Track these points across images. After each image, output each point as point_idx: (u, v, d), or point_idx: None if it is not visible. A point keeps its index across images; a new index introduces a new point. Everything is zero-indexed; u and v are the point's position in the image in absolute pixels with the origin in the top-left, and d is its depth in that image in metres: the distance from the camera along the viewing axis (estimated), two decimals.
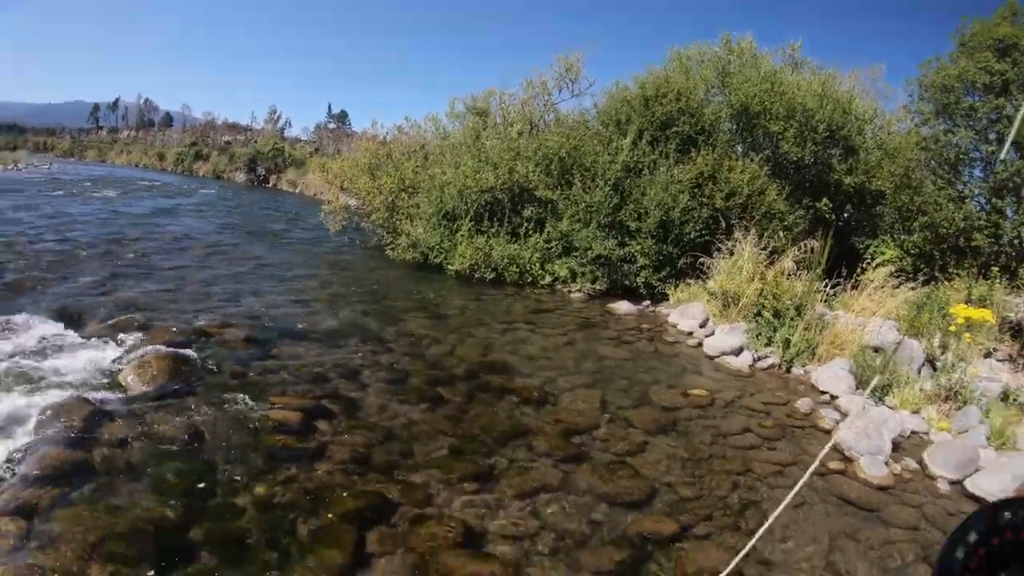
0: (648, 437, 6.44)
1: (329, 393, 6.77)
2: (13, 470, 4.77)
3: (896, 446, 6.40)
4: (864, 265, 10.92)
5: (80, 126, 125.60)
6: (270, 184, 50.76)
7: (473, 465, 5.58)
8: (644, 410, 7.09)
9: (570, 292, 13.08)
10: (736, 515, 5.19)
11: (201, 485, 4.86)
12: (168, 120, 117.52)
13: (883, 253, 12.45)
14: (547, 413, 6.77)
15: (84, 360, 6.99)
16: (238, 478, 5.02)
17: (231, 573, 3.96)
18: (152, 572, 3.87)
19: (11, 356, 6.90)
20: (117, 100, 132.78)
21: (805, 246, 10.78)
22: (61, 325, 7.93)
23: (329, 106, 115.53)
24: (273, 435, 5.70)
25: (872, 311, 9.49)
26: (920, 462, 6.23)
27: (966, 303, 9.19)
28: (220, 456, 5.30)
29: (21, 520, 4.12)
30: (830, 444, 3.16)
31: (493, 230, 14.07)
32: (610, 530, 4.87)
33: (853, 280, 10.32)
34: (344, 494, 4.96)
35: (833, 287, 10.18)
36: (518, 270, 13.56)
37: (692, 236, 12.89)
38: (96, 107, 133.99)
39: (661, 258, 12.94)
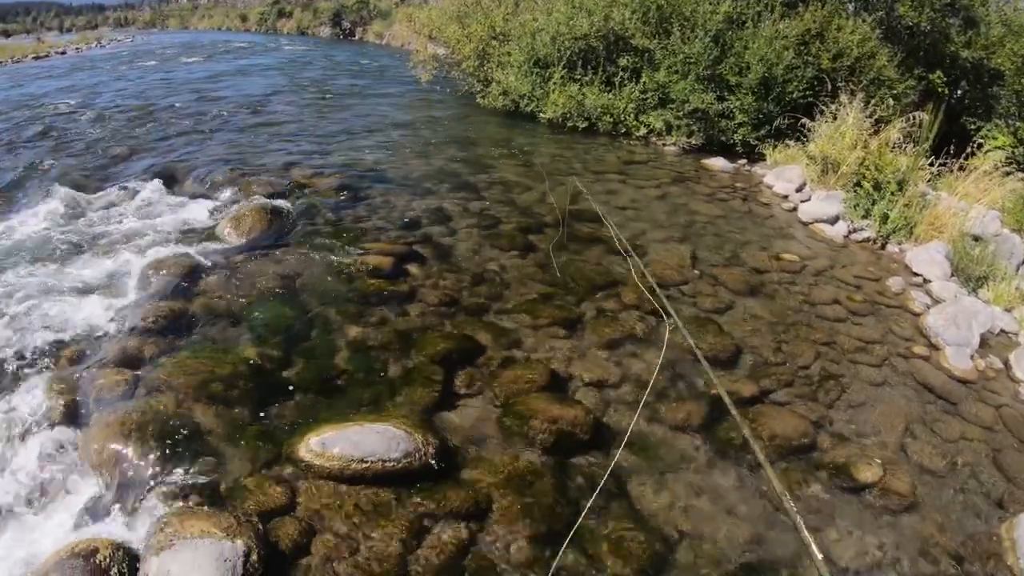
0: (736, 297, 6.46)
1: (421, 239, 6.91)
2: (120, 324, 5.03)
3: (983, 341, 6.27)
4: (973, 148, 10.47)
5: None
6: (356, 37, 50.08)
7: (560, 312, 5.69)
8: (733, 270, 7.07)
9: (664, 145, 12.79)
10: (816, 386, 5.24)
11: (297, 329, 5.09)
12: None
13: (995, 139, 11.90)
14: (636, 265, 6.78)
15: (182, 217, 7.24)
16: (332, 321, 5.23)
17: (325, 411, 4.19)
18: (252, 411, 4.13)
19: (114, 218, 7.19)
20: None
21: (913, 119, 10.34)
22: (159, 184, 8.17)
23: None
24: (366, 279, 5.88)
25: (976, 198, 9.13)
26: (1006, 362, 6.08)
27: None
28: (315, 301, 5.50)
29: (128, 370, 4.39)
30: None
31: (587, 78, 13.65)
32: (691, 386, 4.99)
33: (960, 162, 9.91)
34: (434, 336, 5.13)
35: (938, 167, 9.81)
36: (611, 120, 13.25)
37: (794, 96, 12.39)
38: None
39: (760, 116, 12.50)
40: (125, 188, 8.05)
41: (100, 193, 7.96)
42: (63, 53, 35.02)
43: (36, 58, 31.37)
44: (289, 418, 4.08)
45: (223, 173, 8.62)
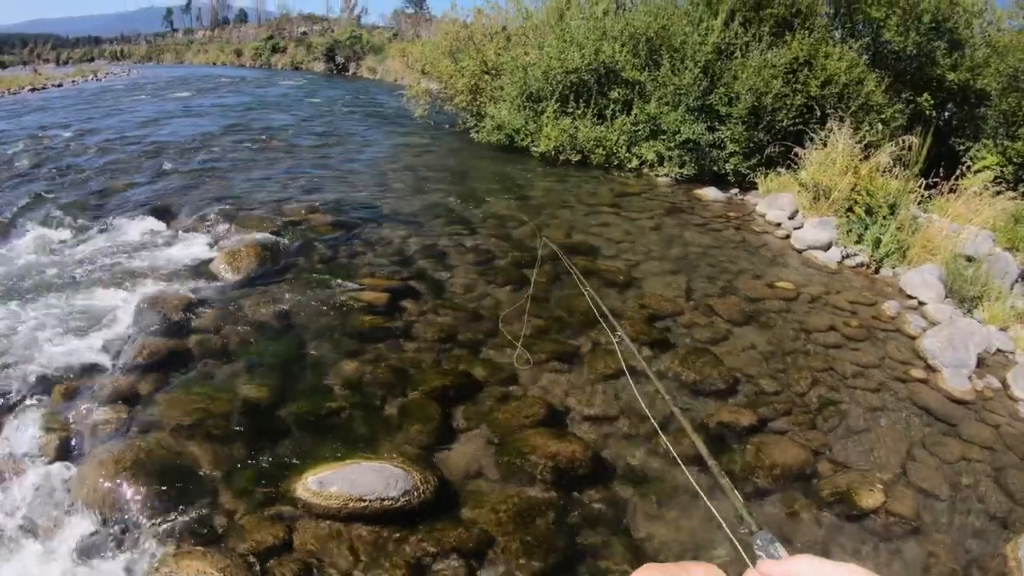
0: (732, 326, 6.49)
1: (415, 274, 6.94)
2: (115, 359, 5.05)
3: (980, 361, 6.28)
4: (963, 169, 10.54)
5: (155, 31, 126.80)
6: (349, 72, 50.68)
7: (557, 346, 5.71)
8: (728, 299, 7.10)
9: (657, 176, 12.89)
10: (815, 413, 5.24)
11: (293, 366, 5.09)
12: (243, 16, 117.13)
13: (984, 159, 11.97)
14: (631, 297, 6.84)
15: (177, 253, 7.28)
16: (328, 358, 5.23)
17: (323, 448, 4.18)
18: (248, 449, 4.11)
19: (108, 253, 7.21)
20: (189, 2, 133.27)
21: (902, 143, 10.42)
22: (154, 221, 8.23)
23: None
24: (361, 316, 5.89)
25: (968, 218, 9.19)
26: (1003, 381, 6.10)
27: None
28: (310, 337, 5.51)
29: (124, 406, 4.40)
30: None
31: (579, 111, 13.79)
32: (690, 417, 4.94)
33: (950, 184, 9.97)
34: (430, 372, 5.14)
35: (929, 189, 9.87)
36: (604, 152, 13.38)
37: (784, 124, 12.53)
38: (169, 11, 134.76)
39: (751, 145, 12.65)
40: (120, 222, 8.11)
41: (95, 227, 8.03)
42: (59, 85, 35.53)
43: (32, 90, 31.85)
44: (286, 456, 4.07)
45: (217, 208, 8.66)
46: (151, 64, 79.28)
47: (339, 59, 52.61)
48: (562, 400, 4.99)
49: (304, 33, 71.66)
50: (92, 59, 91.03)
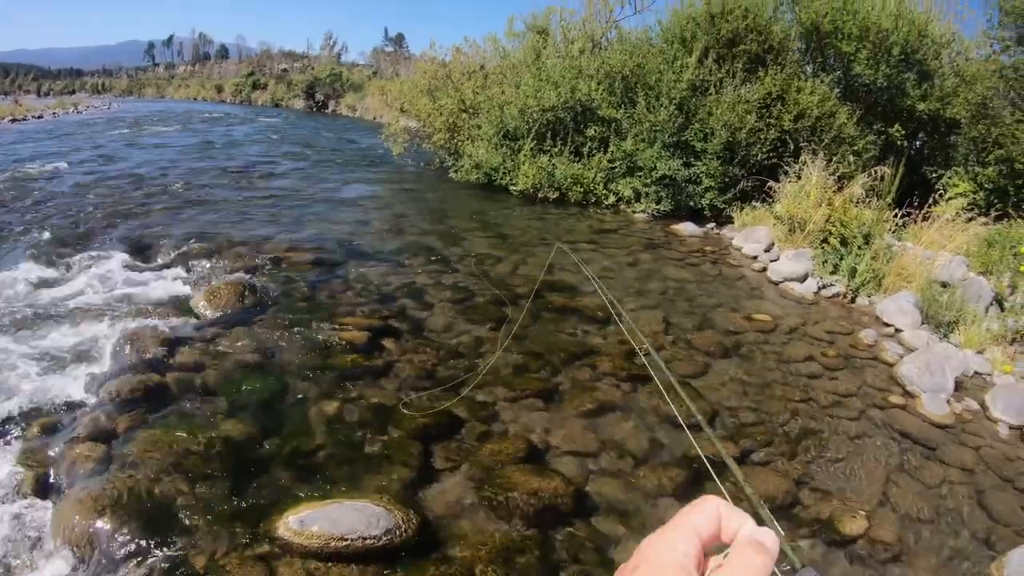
0: (710, 360, 6.52)
1: (395, 313, 6.95)
2: (94, 396, 5.03)
3: (958, 385, 6.33)
4: (936, 197, 10.68)
5: (136, 65, 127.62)
6: (329, 110, 51.11)
7: (537, 383, 5.71)
8: (707, 333, 7.15)
9: (634, 212, 13.03)
10: (795, 443, 5.25)
11: (273, 404, 5.09)
12: (224, 52, 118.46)
13: (956, 185, 12.14)
14: (610, 333, 6.85)
15: (157, 289, 7.31)
16: (309, 396, 5.23)
17: (303, 488, 4.15)
18: (229, 488, 4.08)
19: (88, 288, 7.21)
20: (171, 37, 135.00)
21: (875, 173, 10.57)
22: (133, 257, 8.28)
23: (386, 30, 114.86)
24: (342, 354, 5.89)
25: (941, 245, 9.31)
26: (982, 404, 6.15)
27: None
28: (291, 376, 5.50)
29: (101, 444, 4.36)
30: None
31: (556, 149, 13.99)
32: (670, 451, 4.97)
33: (923, 212, 10.10)
34: (411, 411, 5.11)
35: (903, 217, 9.99)
36: (582, 190, 13.54)
37: (759, 158, 12.71)
38: (151, 45, 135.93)
39: (727, 180, 12.81)
40: (99, 258, 8.11)
41: (75, 262, 8.01)
42: (40, 117, 35.83)
43: (13, 120, 31.96)
44: (267, 495, 4.04)
45: (198, 245, 8.70)
46: (132, 98, 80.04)
47: (319, 96, 53.14)
48: (543, 436, 4.99)
49: (285, 70, 72.35)
50: (73, 91, 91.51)
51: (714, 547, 0.68)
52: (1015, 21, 12.44)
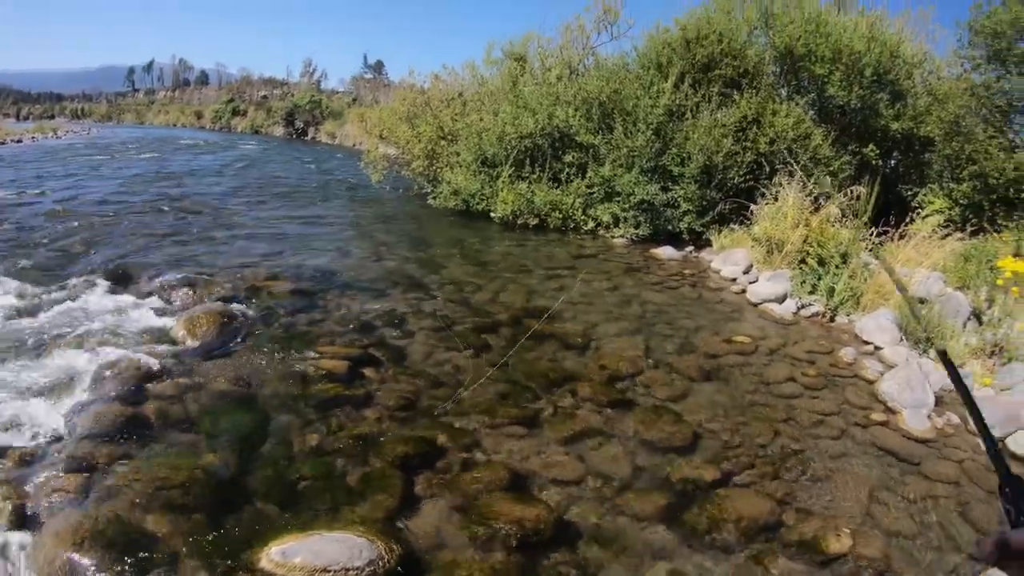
0: (691, 383, 6.51)
1: (375, 341, 6.92)
2: (72, 426, 4.95)
3: (939, 400, 6.37)
4: (912, 215, 10.78)
5: (116, 90, 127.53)
6: (308, 136, 51.27)
7: (518, 410, 5.68)
8: (687, 356, 7.15)
9: (613, 237, 13.10)
10: (778, 464, 5.24)
11: (254, 434, 5.03)
12: (204, 78, 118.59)
13: (932, 202, 12.28)
14: (591, 359, 6.86)
15: (136, 318, 7.20)
16: (290, 426, 5.17)
17: (284, 519, 4.09)
18: (210, 519, 4.02)
19: (67, 317, 7.10)
20: (151, 62, 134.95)
21: (851, 193, 10.66)
22: (113, 285, 8.15)
23: (365, 57, 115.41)
24: (322, 384, 5.85)
25: (918, 262, 9.40)
26: (963, 417, 6.18)
27: (1015, 256, 9.04)
28: (271, 406, 5.45)
29: (80, 475, 4.29)
30: None
31: (534, 176, 14.07)
32: (653, 475, 4.96)
33: (900, 230, 10.19)
34: (393, 440, 5.08)
35: (879, 236, 10.07)
36: (561, 215, 13.60)
37: (736, 181, 12.82)
38: (131, 70, 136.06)
39: (704, 203, 12.89)
40: (78, 286, 8.00)
41: (52, 290, 7.89)
42: (19, 141, 35.69)
43: None
44: (248, 527, 3.99)
45: (177, 273, 8.62)
46: (111, 123, 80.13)
47: (298, 123, 53.37)
48: (525, 464, 4.97)
49: (264, 97, 72.51)
50: (53, 116, 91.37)
51: None
52: (985, 40, 12.64)
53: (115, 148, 31.01)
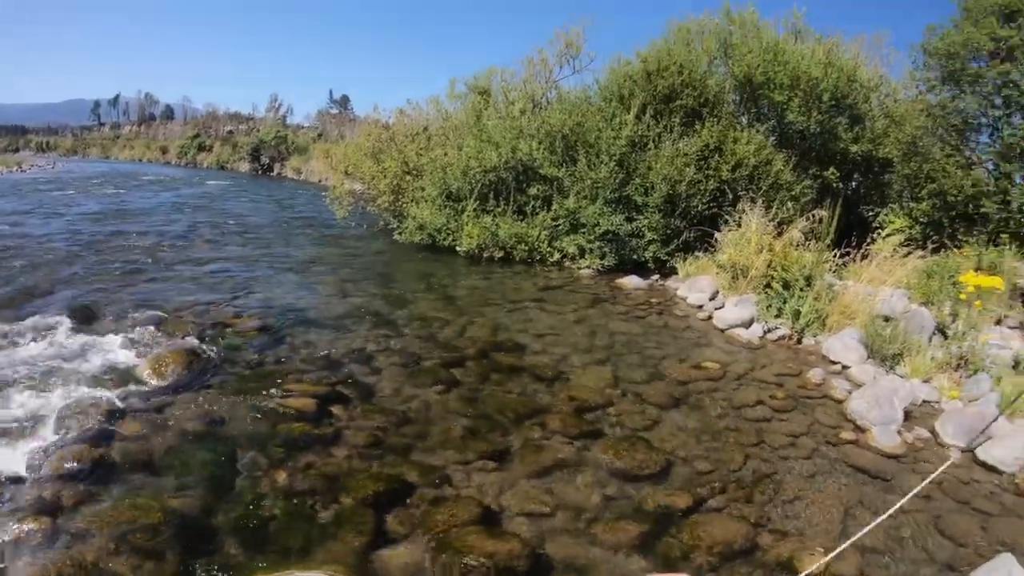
0: (661, 411, 6.49)
1: (343, 379, 6.84)
2: (36, 469, 4.83)
3: (907, 415, 6.44)
4: (873, 235, 10.92)
5: (82, 124, 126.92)
6: (274, 172, 51.16)
7: (488, 445, 5.63)
8: (656, 384, 7.14)
9: (579, 269, 13.14)
10: (750, 487, 5.23)
11: (222, 475, 4.93)
12: (169, 113, 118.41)
13: (892, 222, 12.46)
14: (560, 391, 6.82)
15: (101, 357, 7.05)
16: (258, 467, 5.08)
17: (255, 560, 4.02)
18: (178, 562, 3.94)
19: (30, 357, 6.94)
20: (117, 96, 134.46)
21: (813, 216, 10.79)
22: (77, 324, 7.98)
23: (331, 92, 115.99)
24: (290, 423, 5.76)
25: (882, 280, 9.51)
26: (932, 431, 6.27)
27: (976, 271, 9.16)
28: (239, 446, 5.36)
29: (46, 518, 4.18)
30: None
31: (499, 209, 14.11)
32: (626, 505, 4.92)
33: (863, 250, 10.30)
34: (362, 478, 5.01)
35: (843, 257, 10.18)
36: (526, 248, 13.62)
37: (699, 209, 12.94)
38: (96, 104, 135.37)
39: (669, 232, 13.00)
40: (41, 325, 7.83)
41: (14, 329, 7.71)
42: None
43: None
44: (218, 569, 3.91)
45: (143, 311, 8.50)
46: (76, 158, 79.52)
47: (264, 159, 53.23)
48: (496, 498, 4.92)
49: (230, 132, 72.38)
50: (17, 149, 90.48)
51: None
52: (939, 61, 12.92)
53: (80, 184, 30.80)
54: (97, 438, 5.24)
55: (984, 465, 5.75)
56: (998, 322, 8.99)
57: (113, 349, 7.31)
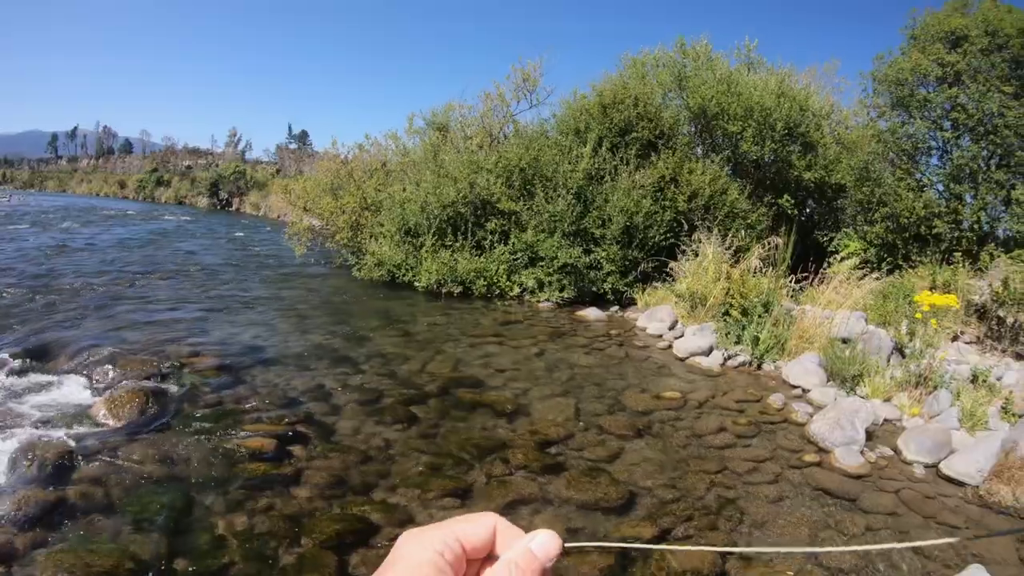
0: (623, 443, 6.44)
1: (303, 418, 6.71)
2: None
3: (870, 435, 6.49)
4: (829, 259, 11.05)
5: (39, 156, 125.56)
6: (233, 207, 50.93)
7: (451, 482, 5.54)
8: (618, 416, 7.10)
9: (538, 302, 13.12)
10: (716, 514, 5.19)
11: (181, 518, 4.79)
12: (128, 147, 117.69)
13: (847, 246, 12.64)
14: (521, 425, 6.75)
15: (55, 397, 6.90)
16: (217, 508, 4.95)
17: None
18: None
19: None
20: (75, 128, 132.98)
21: (769, 243, 10.89)
22: (30, 363, 7.79)
23: (289, 127, 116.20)
24: (249, 463, 5.63)
25: (839, 303, 9.60)
26: (895, 449, 6.33)
27: (931, 289, 9.30)
28: (198, 488, 5.22)
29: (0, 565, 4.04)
30: None
31: (458, 244, 14.11)
32: (591, 537, 4.85)
33: (819, 274, 10.40)
34: (324, 518, 4.90)
35: (800, 282, 10.28)
36: (485, 283, 13.59)
37: (656, 240, 13.02)
38: (54, 136, 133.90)
39: (627, 263, 13.06)
40: None
41: None
42: None
43: None
44: None
45: (99, 350, 8.28)
46: (33, 191, 78.45)
47: (223, 194, 53.12)
48: None
49: (189, 167, 72.23)
50: None
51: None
52: (888, 88, 13.24)
53: (37, 218, 30.50)
54: (52, 481, 5.08)
55: (948, 479, 5.80)
56: (954, 339, 9.11)
57: (68, 388, 7.16)
